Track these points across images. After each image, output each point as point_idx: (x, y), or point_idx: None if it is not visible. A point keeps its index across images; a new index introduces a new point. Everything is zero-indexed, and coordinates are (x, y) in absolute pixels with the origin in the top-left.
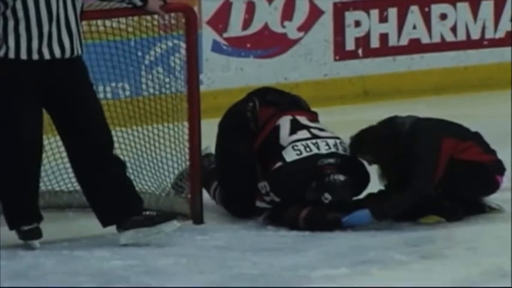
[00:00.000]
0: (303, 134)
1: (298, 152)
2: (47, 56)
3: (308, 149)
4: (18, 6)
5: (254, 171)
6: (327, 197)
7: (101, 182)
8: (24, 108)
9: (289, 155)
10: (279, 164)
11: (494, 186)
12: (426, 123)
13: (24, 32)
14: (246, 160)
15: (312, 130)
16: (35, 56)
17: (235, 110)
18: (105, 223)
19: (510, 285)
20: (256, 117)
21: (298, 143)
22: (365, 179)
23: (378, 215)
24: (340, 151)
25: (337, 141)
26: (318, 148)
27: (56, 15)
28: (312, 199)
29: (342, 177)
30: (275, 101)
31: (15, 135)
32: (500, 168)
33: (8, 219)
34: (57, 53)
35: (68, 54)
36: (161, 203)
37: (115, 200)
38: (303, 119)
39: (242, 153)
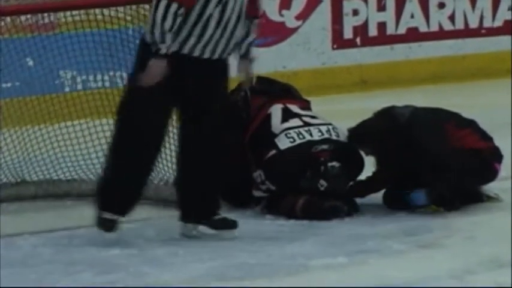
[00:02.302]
0: (295, 122)
1: (292, 140)
2: (206, 55)
3: (301, 136)
4: (196, 8)
5: (246, 160)
6: (323, 183)
7: (202, 179)
8: (159, 102)
9: (283, 143)
10: (272, 152)
11: (492, 174)
12: (425, 113)
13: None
14: (239, 149)
15: (304, 118)
16: (196, 53)
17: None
18: (185, 219)
19: (508, 275)
20: (248, 106)
21: (291, 131)
22: (359, 165)
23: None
24: (333, 137)
25: (330, 127)
26: (311, 135)
27: (227, 20)
28: (308, 187)
29: (336, 165)
30: (266, 90)
31: (144, 125)
32: (497, 155)
33: (101, 198)
34: (217, 54)
35: (223, 56)
36: (160, 192)
37: (205, 201)
38: (294, 107)
39: (234, 142)
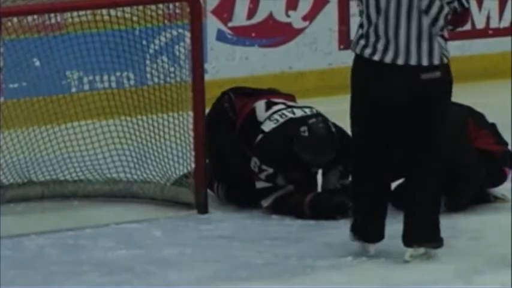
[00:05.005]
0: (278, 106)
1: (275, 121)
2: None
3: (284, 116)
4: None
5: (242, 155)
6: (304, 129)
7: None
8: None
9: (267, 126)
10: (260, 136)
11: (501, 178)
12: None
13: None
14: (232, 147)
15: (288, 103)
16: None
17: (213, 106)
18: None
19: None
20: (233, 106)
21: (275, 114)
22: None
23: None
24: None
25: (314, 110)
26: (294, 113)
27: None
28: (299, 146)
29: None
30: (250, 91)
31: None
32: (508, 160)
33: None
34: None
35: None
36: (166, 192)
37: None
38: (277, 99)
39: (227, 142)
